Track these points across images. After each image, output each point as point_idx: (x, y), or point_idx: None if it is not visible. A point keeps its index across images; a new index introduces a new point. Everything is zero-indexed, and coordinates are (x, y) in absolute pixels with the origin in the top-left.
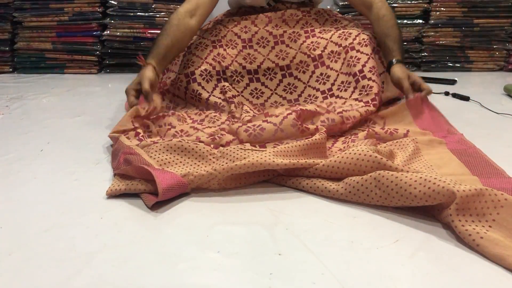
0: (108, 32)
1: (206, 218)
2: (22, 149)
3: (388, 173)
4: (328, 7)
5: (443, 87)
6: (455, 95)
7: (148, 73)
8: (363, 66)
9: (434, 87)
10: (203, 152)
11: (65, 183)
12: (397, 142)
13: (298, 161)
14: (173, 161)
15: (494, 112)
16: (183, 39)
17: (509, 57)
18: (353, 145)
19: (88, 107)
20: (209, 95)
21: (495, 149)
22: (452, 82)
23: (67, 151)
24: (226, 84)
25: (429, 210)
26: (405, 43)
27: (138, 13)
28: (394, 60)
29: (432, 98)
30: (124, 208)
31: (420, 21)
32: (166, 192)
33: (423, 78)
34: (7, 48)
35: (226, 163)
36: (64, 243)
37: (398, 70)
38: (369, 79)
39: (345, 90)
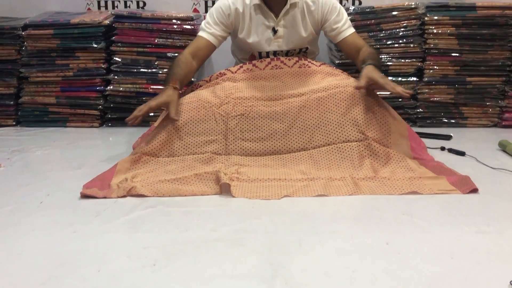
0: (111, 87)
1: (204, 269)
2: (21, 201)
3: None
4: None
5: (439, 143)
6: (451, 150)
7: (169, 91)
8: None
9: (430, 142)
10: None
11: (64, 235)
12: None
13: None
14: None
15: (490, 167)
16: (189, 74)
17: (502, 113)
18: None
19: (89, 160)
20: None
21: (492, 204)
22: (448, 137)
23: (66, 203)
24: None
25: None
26: (400, 100)
27: (141, 69)
28: (367, 62)
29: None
30: (122, 261)
31: (415, 78)
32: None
33: (419, 133)
34: (11, 102)
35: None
36: None
37: (370, 68)
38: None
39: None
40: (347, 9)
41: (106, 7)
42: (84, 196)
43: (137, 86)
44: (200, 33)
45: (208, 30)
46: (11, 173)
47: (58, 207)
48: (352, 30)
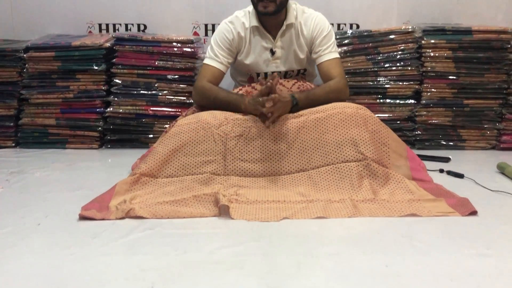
0: (111, 109)
1: None
2: (19, 223)
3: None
4: None
5: (437, 165)
6: (449, 173)
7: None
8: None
9: (428, 164)
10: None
11: (61, 257)
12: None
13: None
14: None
15: (489, 190)
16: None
17: (500, 136)
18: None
19: (88, 181)
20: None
21: (492, 226)
22: (446, 159)
23: (64, 224)
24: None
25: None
26: (398, 122)
27: (141, 91)
28: (294, 94)
29: None
30: (120, 283)
31: (412, 101)
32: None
33: (418, 155)
34: (11, 124)
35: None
36: None
37: (286, 95)
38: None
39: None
40: (344, 33)
41: (107, 30)
42: (83, 217)
43: (137, 107)
44: (209, 62)
45: (216, 58)
46: (10, 194)
47: (56, 229)
48: (334, 56)
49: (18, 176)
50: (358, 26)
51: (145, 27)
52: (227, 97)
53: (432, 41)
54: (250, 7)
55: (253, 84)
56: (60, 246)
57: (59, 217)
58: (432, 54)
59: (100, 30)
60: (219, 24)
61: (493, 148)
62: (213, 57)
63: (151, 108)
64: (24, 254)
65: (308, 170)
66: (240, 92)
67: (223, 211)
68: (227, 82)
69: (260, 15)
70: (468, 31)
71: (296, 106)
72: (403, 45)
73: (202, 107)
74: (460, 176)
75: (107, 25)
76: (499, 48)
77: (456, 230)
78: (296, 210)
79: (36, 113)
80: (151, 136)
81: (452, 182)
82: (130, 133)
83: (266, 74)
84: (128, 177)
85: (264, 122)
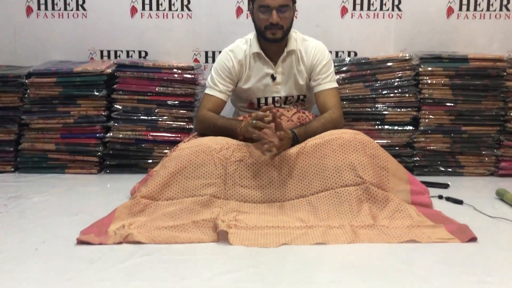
0: (111, 134)
1: None
2: (16, 248)
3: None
4: None
5: (436, 191)
6: (448, 199)
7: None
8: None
9: None
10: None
11: (58, 283)
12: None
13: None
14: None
15: (488, 216)
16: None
17: (498, 162)
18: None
19: (86, 206)
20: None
21: (492, 253)
22: (445, 186)
23: (62, 250)
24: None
25: None
26: (397, 148)
27: (141, 117)
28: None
29: None
30: None
31: (411, 127)
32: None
33: None
34: (11, 149)
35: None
36: None
37: (288, 130)
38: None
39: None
40: (342, 60)
41: (108, 57)
42: (80, 242)
43: (137, 133)
44: (209, 91)
45: (216, 87)
46: (7, 219)
47: (53, 254)
48: (332, 86)
49: (16, 201)
50: (356, 54)
51: (146, 54)
52: (225, 123)
53: (429, 68)
54: (251, 35)
55: (253, 114)
56: (57, 272)
57: (56, 242)
58: (429, 81)
59: (102, 56)
60: (219, 51)
61: (492, 174)
62: (213, 86)
63: (151, 134)
64: (21, 280)
65: (308, 196)
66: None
67: (222, 237)
68: (227, 108)
69: (266, 42)
70: (465, 59)
71: (296, 142)
72: (400, 72)
73: (204, 135)
74: (459, 202)
75: (108, 51)
76: (496, 76)
77: (456, 257)
78: (296, 236)
79: (36, 138)
80: (150, 161)
81: (451, 208)
82: (130, 158)
83: (266, 99)
84: (128, 201)
85: (262, 145)
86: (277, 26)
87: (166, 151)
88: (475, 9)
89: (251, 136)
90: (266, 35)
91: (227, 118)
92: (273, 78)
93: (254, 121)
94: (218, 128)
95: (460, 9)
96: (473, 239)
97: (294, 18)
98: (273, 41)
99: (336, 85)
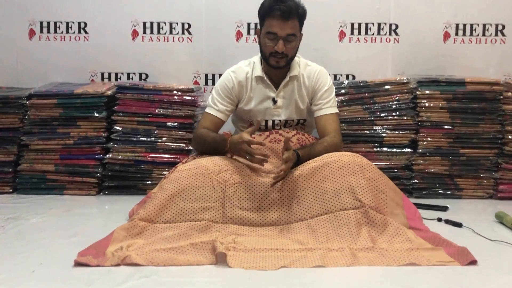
0: (110, 155)
1: None
2: (13, 270)
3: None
4: None
5: (435, 214)
6: (447, 222)
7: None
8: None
9: (426, 213)
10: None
11: None
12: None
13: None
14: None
15: (487, 239)
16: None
17: (497, 185)
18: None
19: (84, 228)
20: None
21: (492, 276)
22: (444, 208)
23: (59, 272)
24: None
25: None
26: (395, 170)
27: (141, 138)
28: (298, 150)
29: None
30: None
31: (409, 150)
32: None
33: (416, 204)
34: (10, 169)
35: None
36: None
37: (292, 151)
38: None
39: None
40: (341, 83)
41: (109, 79)
42: (78, 264)
43: (136, 154)
44: (208, 110)
45: (215, 107)
46: (4, 241)
47: (50, 276)
48: (333, 111)
49: (14, 222)
50: (354, 77)
51: (147, 76)
52: (213, 140)
53: (427, 91)
54: (255, 58)
55: (253, 135)
56: None
57: (53, 264)
58: (427, 104)
59: (103, 78)
60: (219, 74)
61: (491, 197)
62: (212, 105)
63: (150, 155)
64: None
65: (307, 220)
66: None
67: (221, 259)
68: (227, 128)
69: (270, 68)
70: (462, 83)
71: (297, 162)
72: (398, 95)
73: (202, 153)
74: (459, 225)
75: (109, 73)
76: (492, 99)
77: (456, 280)
78: (295, 258)
79: (35, 159)
80: (149, 182)
81: (450, 231)
82: (128, 179)
83: (266, 122)
84: (126, 223)
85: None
86: (282, 54)
87: (165, 172)
88: (471, 34)
89: (239, 154)
90: (270, 61)
91: (215, 134)
92: (274, 101)
93: (251, 145)
94: (208, 144)
95: (457, 33)
96: (473, 262)
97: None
98: (276, 68)
99: (336, 110)
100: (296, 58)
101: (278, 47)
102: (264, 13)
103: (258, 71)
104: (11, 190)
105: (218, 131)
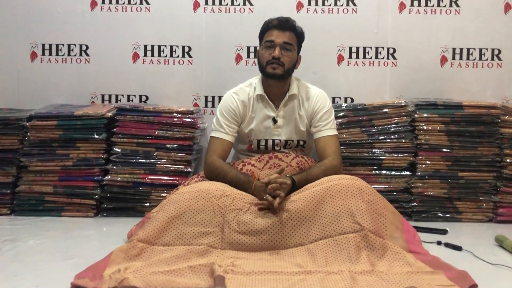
0: (109, 177)
1: None
2: None
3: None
4: None
5: (435, 237)
6: (447, 245)
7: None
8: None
9: (426, 236)
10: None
11: None
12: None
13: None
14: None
15: (488, 263)
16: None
17: (496, 208)
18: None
19: (81, 250)
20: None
21: None
22: (444, 232)
23: None
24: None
25: None
26: (394, 193)
27: (140, 160)
28: (293, 176)
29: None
30: None
31: (408, 172)
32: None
33: (415, 227)
34: (8, 191)
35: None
36: None
37: (287, 177)
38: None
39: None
40: (339, 106)
41: (110, 101)
42: (75, 286)
43: (135, 176)
44: (216, 134)
45: (222, 130)
46: (1, 263)
47: None
48: (332, 133)
49: (10, 244)
50: (352, 100)
51: (147, 98)
52: (235, 178)
53: (425, 115)
54: (255, 79)
55: (252, 162)
56: None
57: (50, 287)
58: (425, 128)
59: (103, 100)
60: (219, 96)
61: (490, 220)
62: (219, 129)
63: (149, 177)
64: None
65: (306, 244)
66: (242, 170)
67: (219, 282)
68: None
69: (267, 78)
70: (459, 106)
71: (294, 188)
72: (396, 118)
73: (211, 179)
74: (458, 248)
75: (110, 95)
76: (490, 123)
77: None
78: (294, 282)
79: (34, 180)
80: (147, 204)
81: (450, 254)
82: (127, 201)
83: (266, 141)
84: (125, 244)
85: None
86: (278, 61)
87: (164, 194)
88: (467, 58)
89: (261, 198)
90: (267, 69)
91: (237, 171)
92: (275, 121)
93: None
94: (229, 180)
95: (454, 58)
96: (474, 286)
97: (297, 65)
98: (273, 76)
99: (336, 132)
100: (295, 80)
101: (275, 52)
102: (263, 28)
103: (259, 89)
104: (9, 212)
105: (228, 154)
